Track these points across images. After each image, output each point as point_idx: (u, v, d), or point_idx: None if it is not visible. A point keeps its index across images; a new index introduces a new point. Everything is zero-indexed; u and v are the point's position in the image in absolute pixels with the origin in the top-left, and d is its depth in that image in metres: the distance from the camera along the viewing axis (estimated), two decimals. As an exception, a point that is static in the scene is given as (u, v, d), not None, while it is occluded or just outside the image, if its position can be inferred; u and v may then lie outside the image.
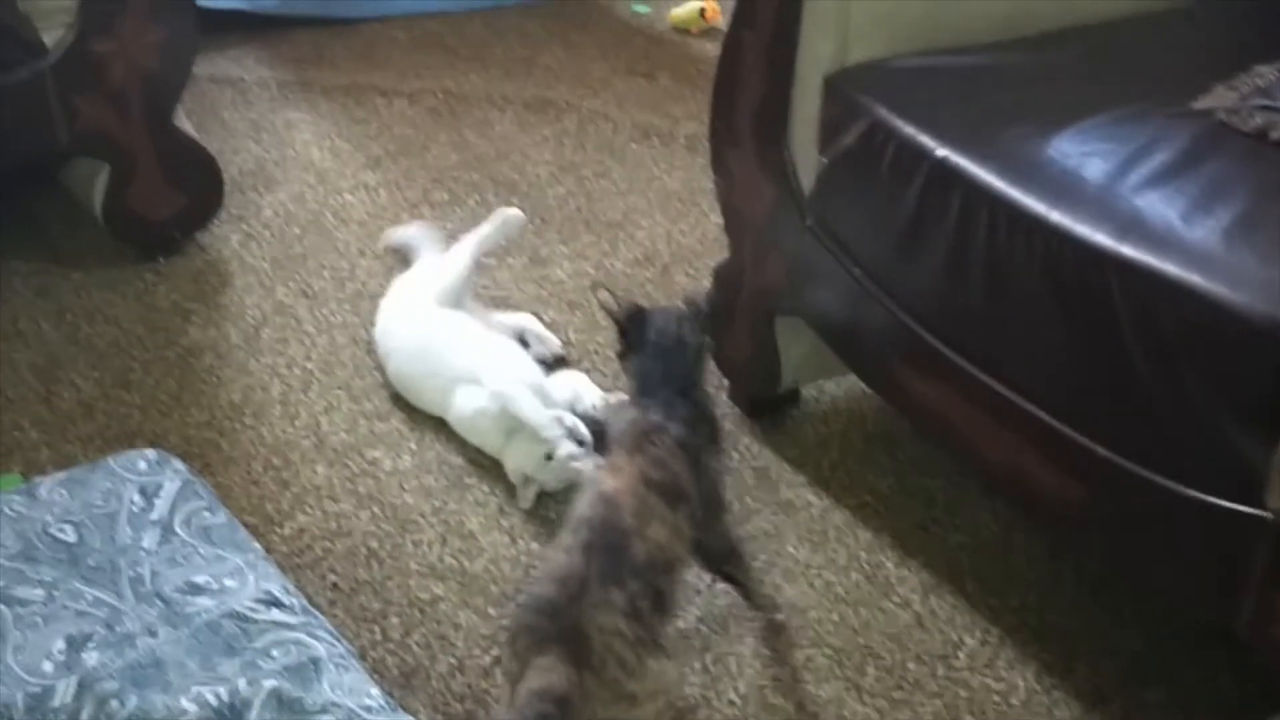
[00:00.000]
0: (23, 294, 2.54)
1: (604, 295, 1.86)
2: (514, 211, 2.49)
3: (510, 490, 2.12)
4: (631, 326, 1.84)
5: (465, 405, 2.20)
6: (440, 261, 2.45)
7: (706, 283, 2.33)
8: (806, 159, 2.00)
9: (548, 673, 1.52)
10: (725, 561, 1.90)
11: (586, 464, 2.09)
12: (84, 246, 2.67)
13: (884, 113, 1.85)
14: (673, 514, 1.70)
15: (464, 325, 2.32)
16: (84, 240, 2.68)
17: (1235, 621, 1.54)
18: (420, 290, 2.38)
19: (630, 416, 1.80)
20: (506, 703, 1.57)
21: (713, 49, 3.53)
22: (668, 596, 1.67)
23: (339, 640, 1.64)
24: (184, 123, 2.66)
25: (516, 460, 2.12)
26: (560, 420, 2.12)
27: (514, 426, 2.14)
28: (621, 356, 1.88)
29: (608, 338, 2.44)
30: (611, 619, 1.56)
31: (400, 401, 2.30)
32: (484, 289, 2.57)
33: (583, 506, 1.69)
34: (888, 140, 1.83)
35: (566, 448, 2.09)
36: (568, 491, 2.12)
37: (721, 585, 1.96)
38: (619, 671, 1.55)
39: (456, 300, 2.36)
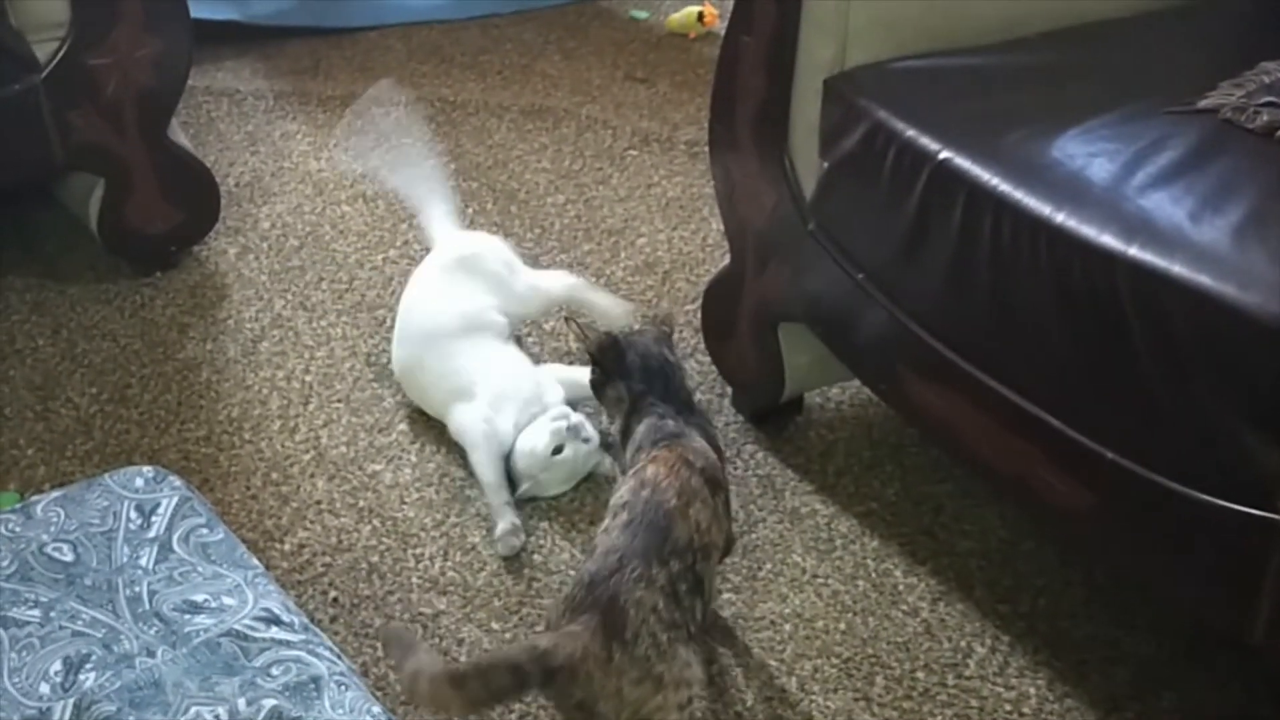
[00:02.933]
0: (19, 310, 2.52)
1: (574, 327, 1.87)
2: (626, 307, 2.37)
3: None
4: (605, 356, 1.85)
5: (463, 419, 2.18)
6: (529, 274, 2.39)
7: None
8: (807, 163, 1.98)
9: (566, 638, 1.52)
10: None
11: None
12: (80, 262, 2.65)
13: (885, 115, 1.82)
14: (713, 499, 1.71)
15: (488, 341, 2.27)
16: (80, 255, 2.66)
17: (1249, 628, 1.52)
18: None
19: (647, 425, 1.79)
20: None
21: (711, 53, 3.50)
22: (706, 582, 1.66)
23: (340, 658, 1.61)
24: (180, 136, 2.64)
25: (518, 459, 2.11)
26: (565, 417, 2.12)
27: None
28: (597, 385, 1.88)
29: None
30: (651, 595, 1.57)
31: (401, 414, 2.28)
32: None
33: (623, 491, 1.69)
34: (889, 143, 1.81)
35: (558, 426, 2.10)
36: (571, 501, 2.11)
37: (728, 595, 1.95)
38: (651, 650, 1.55)
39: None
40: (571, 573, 1.98)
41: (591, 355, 1.86)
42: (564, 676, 1.51)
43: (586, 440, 2.11)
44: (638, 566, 1.58)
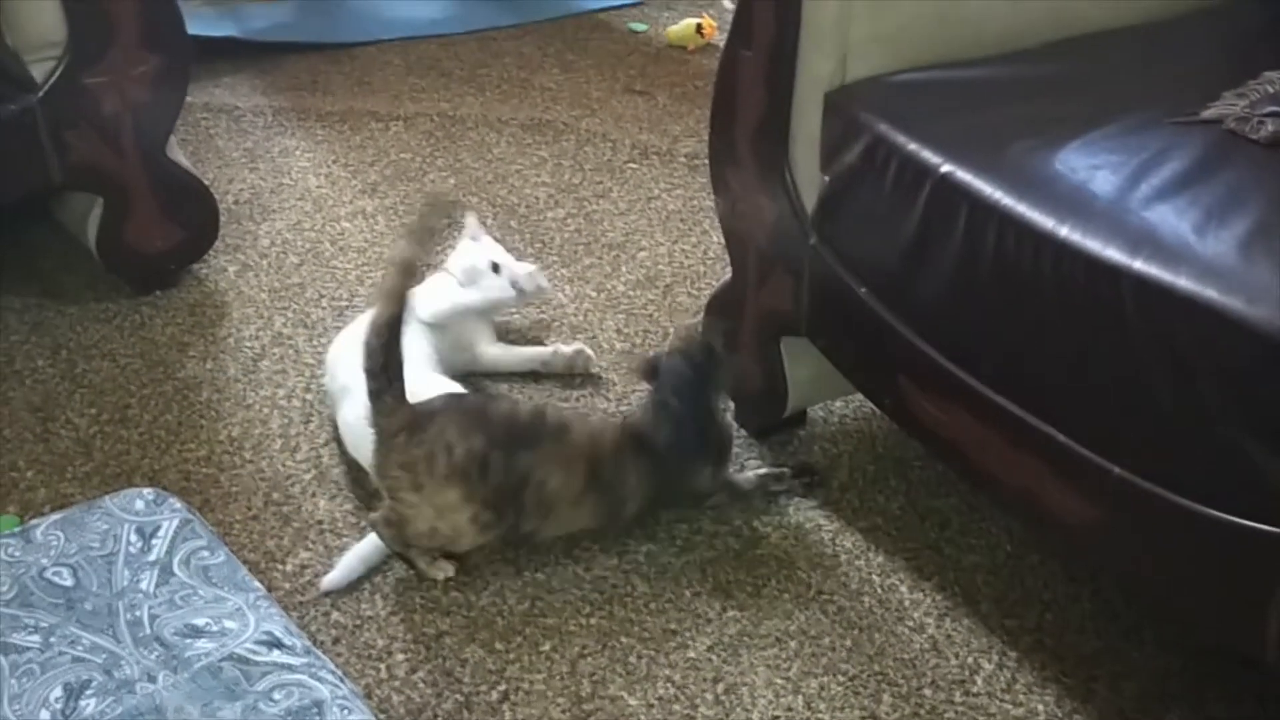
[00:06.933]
0: (18, 331, 2.51)
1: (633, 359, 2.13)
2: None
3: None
4: (647, 376, 2.05)
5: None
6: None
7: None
8: (808, 177, 1.97)
9: (399, 402, 1.90)
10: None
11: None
12: (79, 281, 2.64)
13: (885, 129, 1.81)
14: (584, 494, 1.96)
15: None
16: (79, 275, 2.65)
17: (1258, 644, 1.50)
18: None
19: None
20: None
21: (710, 65, 3.50)
22: (529, 497, 1.92)
23: (343, 681, 1.60)
24: (178, 153, 2.63)
25: None
26: None
27: None
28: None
29: (611, 362, 2.42)
30: (458, 438, 1.88)
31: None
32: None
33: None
34: (890, 157, 1.80)
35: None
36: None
37: (732, 613, 1.93)
38: (425, 462, 1.88)
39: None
40: (575, 591, 1.97)
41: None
42: (377, 404, 1.88)
43: None
44: (470, 421, 1.90)
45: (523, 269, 2.42)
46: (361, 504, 2.12)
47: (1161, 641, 1.89)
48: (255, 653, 1.59)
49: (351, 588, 1.97)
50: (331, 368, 2.26)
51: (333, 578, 1.97)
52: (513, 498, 1.92)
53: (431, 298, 2.32)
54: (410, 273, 1.88)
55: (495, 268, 2.37)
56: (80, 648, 1.59)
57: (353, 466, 2.18)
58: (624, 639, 1.90)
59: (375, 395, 1.90)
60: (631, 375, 2.04)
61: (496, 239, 2.53)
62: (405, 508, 1.92)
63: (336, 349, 2.28)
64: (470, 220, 2.47)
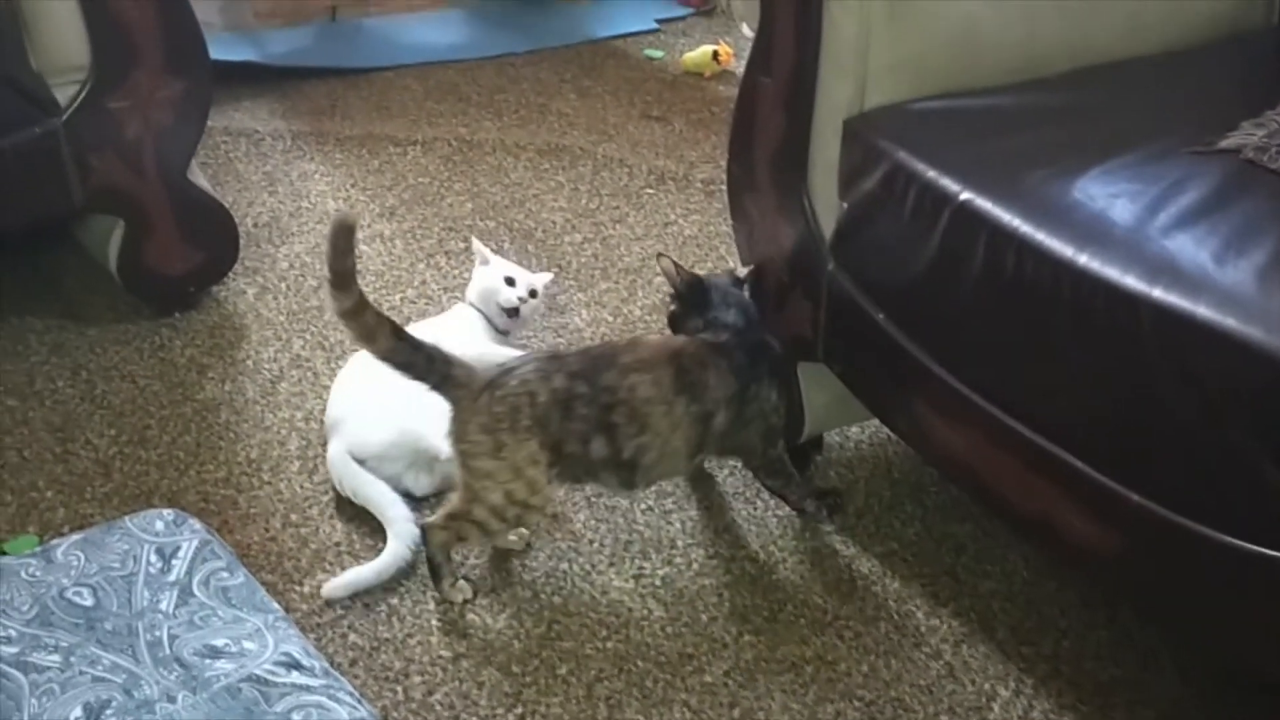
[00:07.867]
0: (38, 351, 2.52)
1: (665, 263, 2.08)
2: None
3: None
4: (691, 293, 2.07)
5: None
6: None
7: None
8: (826, 204, 1.98)
9: (464, 365, 1.92)
10: (773, 480, 2.14)
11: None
12: (99, 303, 2.66)
13: (905, 156, 1.82)
14: (674, 396, 1.94)
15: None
16: (99, 296, 2.67)
17: (1276, 670, 1.50)
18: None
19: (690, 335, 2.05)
20: None
21: (726, 91, 3.54)
22: (621, 444, 1.92)
23: (360, 703, 1.61)
24: (198, 176, 2.65)
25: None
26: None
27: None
28: (674, 318, 2.10)
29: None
30: (538, 385, 1.89)
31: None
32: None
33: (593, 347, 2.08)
34: (909, 184, 1.80)
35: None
36: (590, 543, 2.10)
37: (748, 638, 1.94)
38: (507, 416, 1.89)
39: None
40: (591, 614, 1.98)
41: (676, 291, 2.09)
42: (448, 385, 1.89)
43: None
44: (547, 364, 1.92)
45: (539, 279, 2.44)
46: (378, 527, 2.12)
47: (1179, 669, 1.89)
48: (274, 674, 1.60)
49: (368, 610, 1.98)
50: (331, 398, 2.27)
51: (334, 585, 1.98)
52: (604, 424, 1.92)
53: (457, 338, 2.28)
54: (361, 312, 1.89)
55: (510, 281, 2.38)
56: (100, 667, 1.60)
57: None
58: (640, 663, 1.90)
59: (441, 384, 1.91)
60: (666, 275, 2.09)
61: (511, 260, 2.54)
62: (479, 480, 1.91)
63: (340, 381, 2.30)
64: (476, 246, 2.47)
